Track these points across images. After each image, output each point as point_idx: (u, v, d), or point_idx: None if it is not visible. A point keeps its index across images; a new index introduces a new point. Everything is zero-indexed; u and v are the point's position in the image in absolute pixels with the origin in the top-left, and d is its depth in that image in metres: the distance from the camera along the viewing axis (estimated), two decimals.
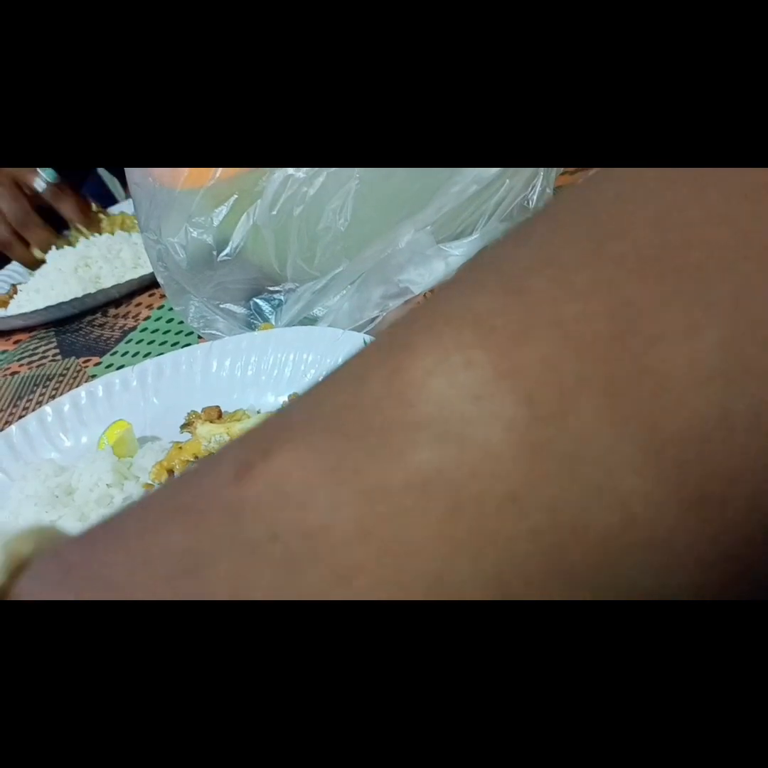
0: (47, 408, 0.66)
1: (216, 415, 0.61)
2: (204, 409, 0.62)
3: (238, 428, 0.60)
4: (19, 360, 0.82)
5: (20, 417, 0.69)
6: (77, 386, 0.69)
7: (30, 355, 0.81)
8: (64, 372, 0.76)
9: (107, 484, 0.56)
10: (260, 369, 0.64)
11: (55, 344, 0.82)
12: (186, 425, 0.62)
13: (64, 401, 0.67)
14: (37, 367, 0.79)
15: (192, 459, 0.59)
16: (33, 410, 0.67)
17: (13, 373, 0.80)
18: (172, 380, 0.65)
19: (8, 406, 0.74)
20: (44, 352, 0.81)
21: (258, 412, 0.62)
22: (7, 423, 0.70)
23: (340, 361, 0.21)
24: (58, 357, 0.79)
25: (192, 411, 0.62)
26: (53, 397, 0.71)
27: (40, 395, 0.74)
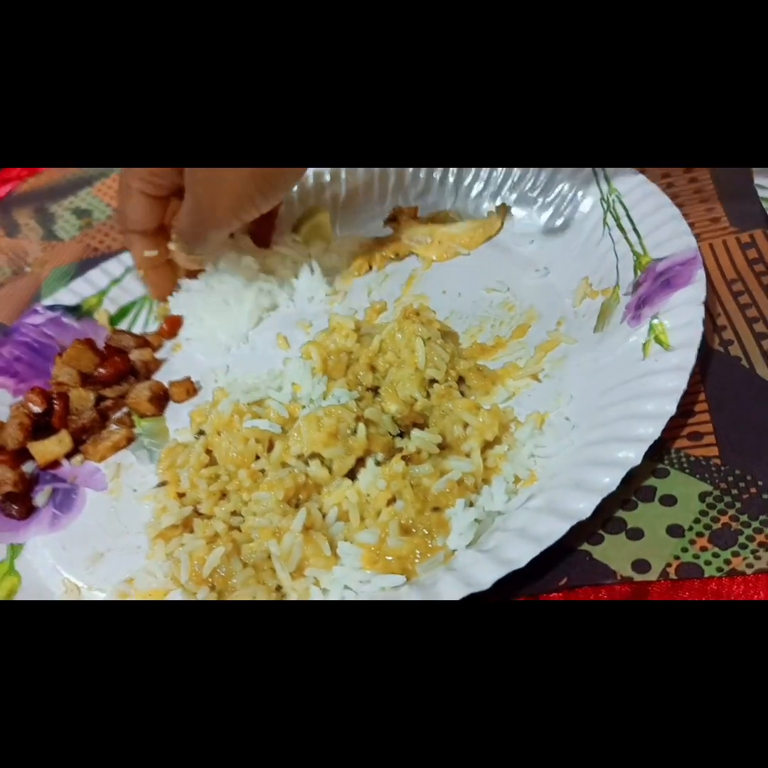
0: None
1: (414, 213, 0.61)
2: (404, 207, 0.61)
3: (441, 231, 0.59)
4: None
5: None
6: None
7: None
8: None
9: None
10: (461, 176, 0.63)
11: None
12: (390, 220, 0.62)
13: None
14: None
15: (392, 256, 0.59)
16: None
17: None
18: (366, 176, 0.66)
19: None
20: None
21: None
22: None
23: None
24: None
25: (396, 205, 0.62)
26: None
27: None
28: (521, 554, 0.35)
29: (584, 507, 0.36)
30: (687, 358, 0.40)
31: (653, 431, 0.37)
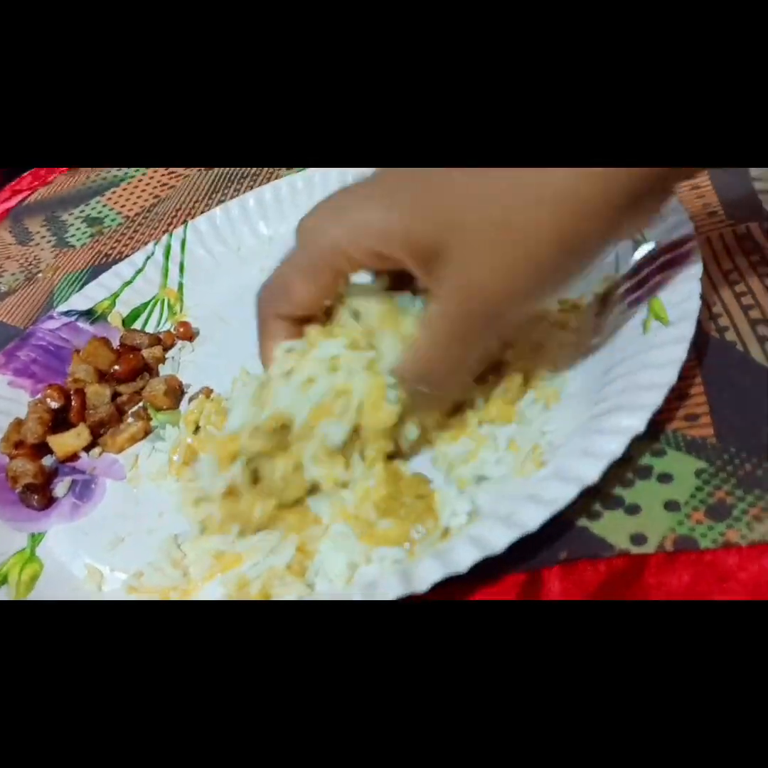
0: (249, 196, 0.70)
1: None
2: None
3: None
4: None
5: None
6: None
7: None
8: (258, 172, 0.79)
9: None
10: None
11: None
12: None
13: (265, 191, 0.70)
14: None
15: None
16: None
17: (208, 168, 0.84)
18: None
19: (204, 198, 0.80)
20: None
21: None
22: (203, 212, 0.74)
23: None
24: None
25: None
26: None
27: (233, 191, 0.78)
28: (532, 518, 0.36)
29: (592, 472, 0.37)
30: (686, 330, 0.41)
31: (655, 399, 0.39)
